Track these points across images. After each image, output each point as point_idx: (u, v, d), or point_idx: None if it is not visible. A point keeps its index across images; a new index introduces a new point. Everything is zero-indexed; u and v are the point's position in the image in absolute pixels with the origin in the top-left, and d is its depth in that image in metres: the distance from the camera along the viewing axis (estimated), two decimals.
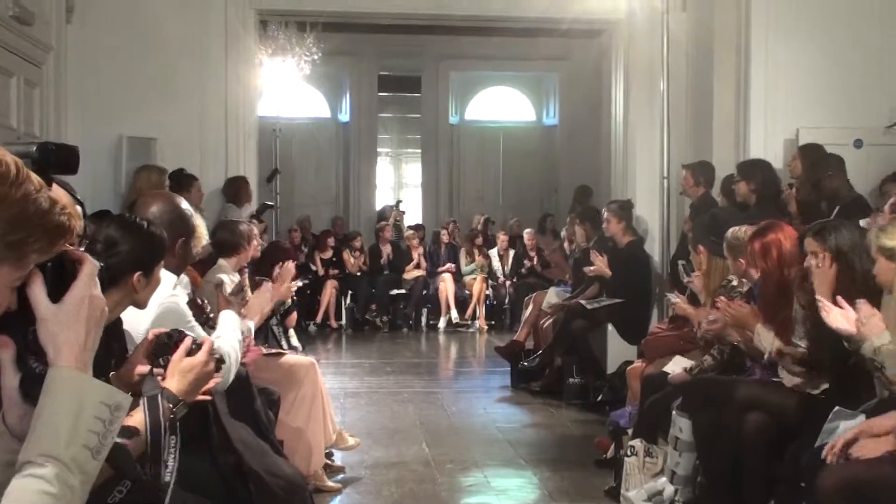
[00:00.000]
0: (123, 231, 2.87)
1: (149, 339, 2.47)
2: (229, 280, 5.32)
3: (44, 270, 1.48)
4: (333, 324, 12.85)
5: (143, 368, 2.39)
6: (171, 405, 2.29)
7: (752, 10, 7.78)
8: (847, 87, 7.77)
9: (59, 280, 1.50)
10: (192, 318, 3.49)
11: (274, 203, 11.60)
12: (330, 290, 12.83)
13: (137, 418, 2.19)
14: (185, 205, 3.72)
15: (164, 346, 2.43)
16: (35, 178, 1.43)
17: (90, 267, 1.53)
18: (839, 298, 3.49)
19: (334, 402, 6.66)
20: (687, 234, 7.49)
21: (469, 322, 12.99)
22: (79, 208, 2.21)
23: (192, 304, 3.94)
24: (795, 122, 7.68)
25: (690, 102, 8.66)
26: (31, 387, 1.49)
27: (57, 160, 1.69)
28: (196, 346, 2.43)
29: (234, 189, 8.53)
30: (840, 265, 3.94)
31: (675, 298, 5.69)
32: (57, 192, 1.96)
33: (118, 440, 1.54)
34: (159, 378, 2.36)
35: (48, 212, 1.43)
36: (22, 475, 1.39)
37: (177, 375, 2.37)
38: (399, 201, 15.59)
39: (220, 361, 2.54)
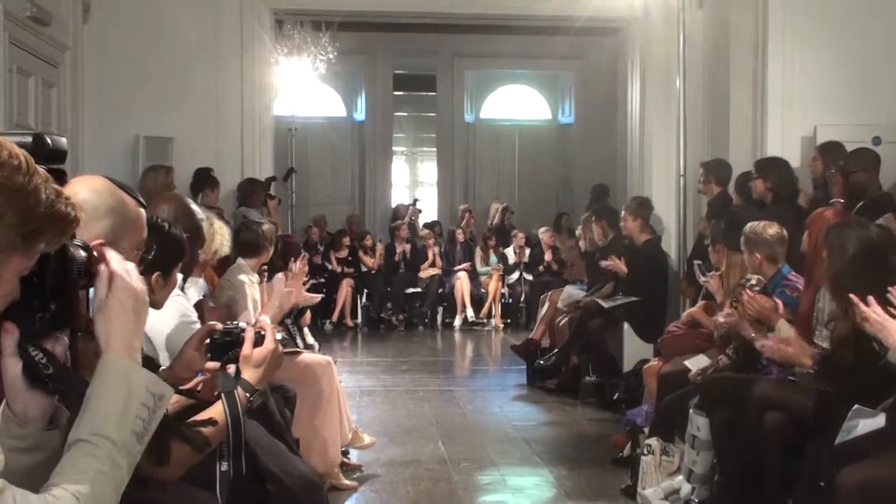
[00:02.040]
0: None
1: (200, 337, 2.50)
2: (249, 280, 5.34)
3: (48, 260, 1.51)
4: (349, 322, 12.87)
5: (213, 365, 2.47)
6: (248, 395, 2.38)
7: (770, 7, 7.73)
8: (865, 84, 7.71)
9: (63, 270, 1.53)
10: (196, 319, 3.52)
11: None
12: (346, 288, 12.86)
13: (217, 410, 2.30)
14: (193, 206, 3.74)
15: (226, 342, 2.49)
16: (41, 170, 1.45)
17: (116, 256, 1.60)
18: (870, 299, 3.45)
19: (350, 400, 6.66)
20: (703, 234, 7.47)
21: (485, 320, 12.98)
22: (143, 211, 2.22)
23: (198, 305, 3.97)
24: (813, 120, 7.63)
25: (707, 100, 8.62)
26: (33, 375, 1.52)
27: (51, 153, 1.70)
28: (260, 336, 2.48)
29: (248, 191, 8.54)
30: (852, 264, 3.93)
31: (705, 278, 5.69)
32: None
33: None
34: (232, 371, 2.43)
35: (55, 202, 1.45)
36: (76, 451, 1.45)
37: (251, 367, 2.43)
38: (416, 199, 15.59)
39: (283, 342, 2.58)
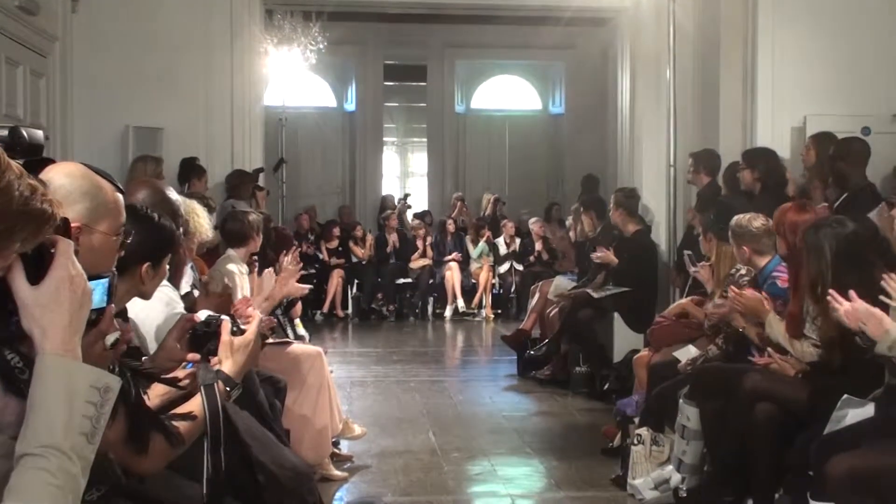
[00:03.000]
0: (134, 221, 2.87)
1: (181, 328, 2.50)
2: (238, 270, 5.33)
3: (23, 256, 1.45)
4: (340, 313, 12.87)
5: (194, 356, 2.46)
6: (227, 388, 2.37)
7: None
8: (854, 75, 7.73)
9: (39, 265, 1.47)
10: (181, 308, 3.51)
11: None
12: (336, 279, 12.85)
13: (196, 403, 2.28)
14: (171, 192, 3.72)
15: (205, 333, 2.48)
16: (15, 165, 1.40)
17: (65, 246, 1.50)
18: (851, 293, 3.46)
19: (341, 391, 6.67)
20: (692, 224, 7.48)
21: (475, 311, 13.00)
22: (120, 196, 2.19)
23: (185, 297, 3.95)
24: (803, 110, 7.65)
25: (697, 91, 8.63)
26: (10, 380, 1.47)
27: (28, 146, 1.68)
28: (237, 329, 2.46)
29: (235, 183, 8.51)
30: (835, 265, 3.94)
31: (695, 268, 5.71)
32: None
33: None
34: (212, 363, 2.42)
35: (30, 199, 1.40)
36: (25, 468, 1.39)
37: (229, 357, 2.42)
38: (407, 195, 15.57)
39: (265, 337, 2.57)
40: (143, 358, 2.50)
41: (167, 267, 3.01)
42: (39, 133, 1.76)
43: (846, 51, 7.74)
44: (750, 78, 7.84)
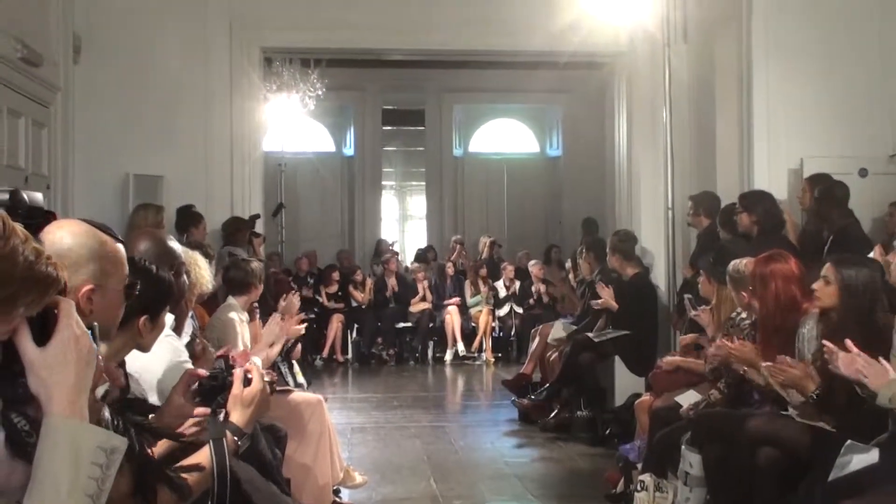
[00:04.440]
0: (132, 274, 2.88)
1: (186, 381, 2.50)
2: (238, 319, 5.33)
3: (28, 318, 1.46)
4: (340, 358, 12.84)
5: (203, 411, 2.46)
6: (236, 439, 2.36)
7: (753, 42, 7.80)
8: (850, 117, 7.77)
9: (44, 326, 1.48)
10: (187, 359, 3.51)
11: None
12: (336, 323, 12.84)
13: (204, 455, 2.27)
14: (173, 242, 3.74)
15: (213, 387, 2.48)
16: (20, 229, 1.41)
17: (67, 306, 1.51)
18: (848, 342, 3.46)
19: (341, 437, 6.63)
20: (685, 275, 7.52)
21: (476, 354, 12.96)
22: (121, 247, 2.20)
23: (189, 344, 3.96)
24: (799, 152, 7.68)
25: (694, 133, 8.69)
26: (17, 444, 1.47)
27: (28, 209, 1.69)
28: (248, 378, 2.47)
29: (231, 230, 8.53)
30: (846, 302, 3.95)
31: (695, 312, 5.70)
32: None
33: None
34: (221, 416, 2.42)
35: (35, 264, 1.40)
36: None
37: (238, 409, 2.42)
38: (394, 242, 15.62)
39: (272, 384, 2.57)
40: (151, 416, 2.49)
41: (165, 319, 3.01)
42: (39, 195, 1.78)
43: (841, 93, 7.79)
44: (746, 121, 7.89)
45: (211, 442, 2.29)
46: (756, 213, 6.56)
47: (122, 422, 2.27)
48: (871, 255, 5.11)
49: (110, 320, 2.16)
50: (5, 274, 1.36)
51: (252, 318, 5.65)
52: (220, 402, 2.45)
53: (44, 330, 1.48)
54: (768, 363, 4.25)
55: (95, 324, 1.80)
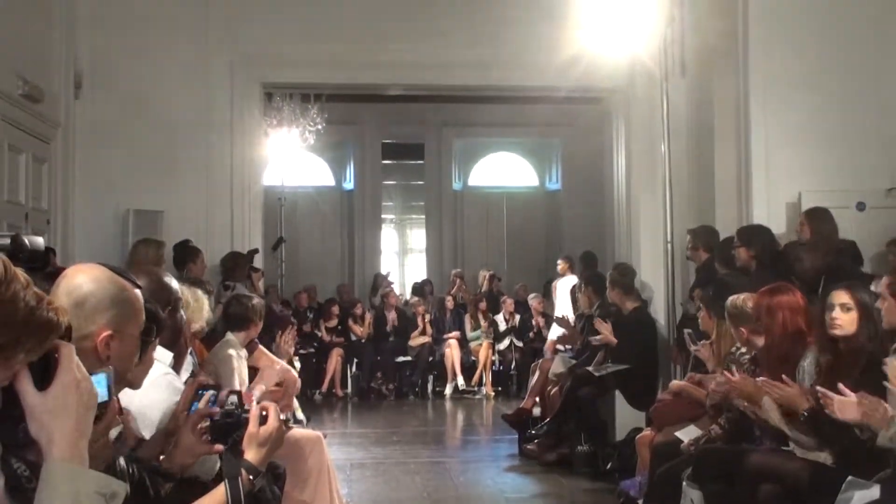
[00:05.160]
0: None
1: (195, 421, 2.49)
2: (237, 355, 5.31)
3: (29, 363, 1.46)
4: (339, 392, 12.80)
5: (219, 448, 2.45)
6: (251, 477, 2.34)
7: (750, 76, 7.85)
8: (848, 150, 7.79)
9: (45, 370, 1.47)
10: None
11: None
12: (335, 358, 12.81)
13: (218, 494, 2.25)
14: (168, 278, 3.74)
15: (228, 423, 2.47)
16: (21, 274, 1.40)
17: (68, 351, 1.51)
18: (841, 386, 3.47)
19: (340, 473, 6.59)
20: (686, 309, 7.51)
21: (475, 388, 12.92)
22: (138, 292, 2.20)
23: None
24: (797, 186, 7.70)
25: (692, 167, 8.72)
26: (17, 489, 1.46)
27: (29, 255, 1.69)
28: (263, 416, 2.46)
29: (230, 265, 8.52)
30: (865, 327, 3.98)
31: (695, 346, 5.69)
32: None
33: None
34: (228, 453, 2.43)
35: (36, 309, 1.39)
36: None
37: (254, 447, 2.40)
38: (388, 272, 15.61)
39: (287, 422, 2.56)
40: (161, 457, 2.48)
41: (155, 355, 3.00)
42: (40, 240, 1.79)
43: (839, 126, 7.82)
44: (744, 155, 7.91)
45: (226, 480, 2.27)
46: (754, 248, 6.57)
47: (137, 468, 2.27)
48: (873, 287, 5.11)
49: (126, 366, 2.16)
50: (6, 319, 1.35)
51: (254, 349, 5.64)
52: (236, 440, 2.44)
53: (45, 374, 1.47)
54: (763, 378, 4.26)
55: (111, 368, 1.81)
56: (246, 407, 2.53)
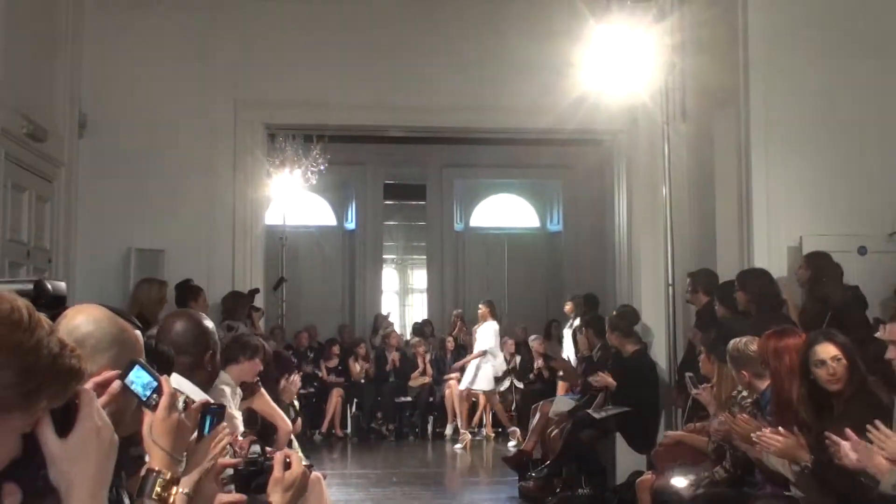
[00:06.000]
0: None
1: (218, 471, 2.48)
2: (232, 391, 5.30)
3: (51, 409, 1.45)
4: (339, 432, 12.73)
5: (241, 498, 2.43)
6: None
7: (752, 121, 7.87)
8: (849, 195, 7.79)
9: (66, 417, 1.47)
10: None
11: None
12: (336, 398, 12.76)
13: None
14: (207, 321, 3.79)
15: (251, 472, 2.50)
16: (45, 320, 1.40)
17: (89, 397, 1.50)
18: (848, 432, 3.45)
19: None
20: (693, 342, 7.47)
21: (476, 430, 12.84)
22: (139, 333, 2.20)
23: None
24: (798, 230, 7.70)
25: (694, 210, 8.73)
26: None
27: (53, 298, 1.70)
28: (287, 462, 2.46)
29: (230, 305, 8.51)
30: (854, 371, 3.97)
31: (696, 390, 5.68)
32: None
33: None
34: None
35: (59, 356, 1.38)
36: None
37: (279, 492, 2.41)
38: (388, 313, 15.62)
39: (310, 467, 2.56)
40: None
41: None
42: (62, 285, 1.80)
43: (840, 171, 7.82)
44: (745, 198, 7.92)
45: None
46: (750, 292, 6.56)
47: None
48: (878, 334, 5.09)
49: (127, 408, 2.15)
50: (30, 366, 1.34)
51: (255, 391, 5.62)
52: (261, 484, 2.44)
53: (65, 420, 1.46)
54: (760, 433, 4.23)
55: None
56: (269, 454, 2.54)
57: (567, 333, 11.67)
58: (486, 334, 12.17)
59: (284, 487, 2.40)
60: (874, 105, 7.89)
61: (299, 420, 6.52)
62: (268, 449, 5.35)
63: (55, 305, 1.65)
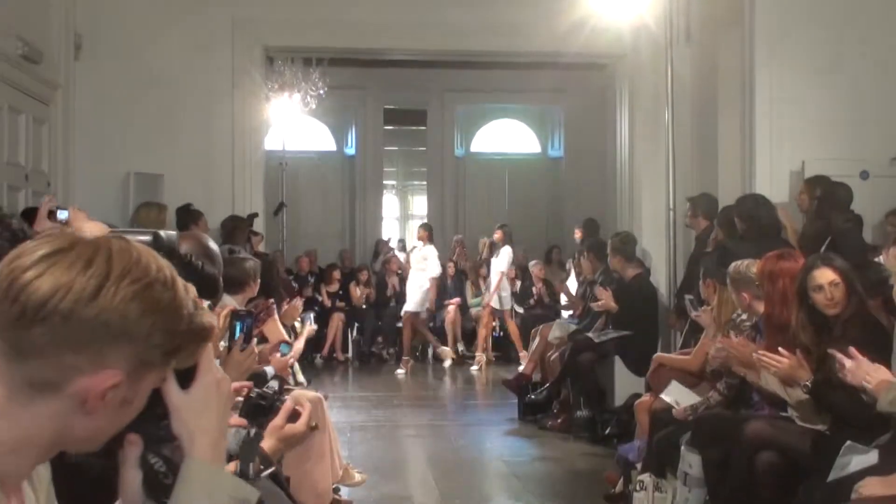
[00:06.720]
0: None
1: (235, 390, 2.49)
2: None
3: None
4: (340, 356, 12.84)
5: (240, 422, 2.42)
6: (262, 466, 2.31)
7: (756, 43, 7.78)
8: (853, 119, 7.75)
9: (186, 370, 1.47)
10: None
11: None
12: (336, 322, 12.83)
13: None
14: (212, 243, 3.78)
15: (259, 405, 2.48)
16: (179, 279, 1.38)
17: (207, 351, 1.50)
18: (852, 350, 3.47)
19: (341, 436, 6.63)
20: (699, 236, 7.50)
21: (476, 354, 12.93)
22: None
23: None
24: (801, 154, 7.66)
25: (696, 134, 8.68)
26: (152, 486, 1.49)
27: (169, 249, 1.67)
28: (295, 414, 2.44)
29: (229, 228, 8.50)
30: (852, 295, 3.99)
31: (696, 312, 5.71)
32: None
33: None
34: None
35: (195, 315, 1.37)
36: None
37: (273, 439, 2.40)
38: (389, 238, 15.62)
39: (315, 427, 2.54)
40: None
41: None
42: (174, 234, 1.78)
43: (844, 95, 7.77)
44: (748, 123, 7.86)
45: (239, 462, 2.24)
46: (748, 218, 6.53)
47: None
48: (879, 259, 5.10)
49: None
50: (171, 326, 1.33)
51: (271, 314, 5.65)
52: (262, 423, 2.42)
53: (186, 374, 1.47)
54: (760, 352, 4.25)
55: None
56: (283, 397, 2.52)
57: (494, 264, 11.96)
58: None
59: (280, 437, 2.39)
60: (880, 29, 7.80)
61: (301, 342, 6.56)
62: (286, 385, 5.43)
63: (170, 257, 1.64)
